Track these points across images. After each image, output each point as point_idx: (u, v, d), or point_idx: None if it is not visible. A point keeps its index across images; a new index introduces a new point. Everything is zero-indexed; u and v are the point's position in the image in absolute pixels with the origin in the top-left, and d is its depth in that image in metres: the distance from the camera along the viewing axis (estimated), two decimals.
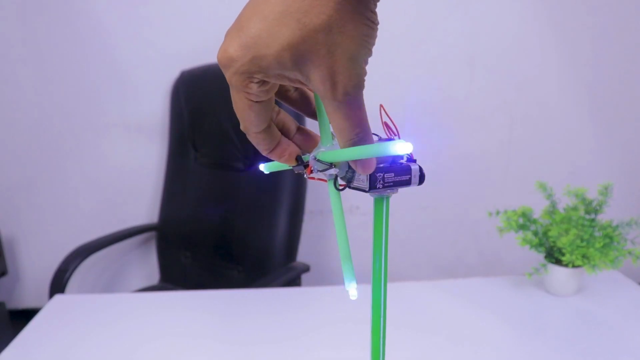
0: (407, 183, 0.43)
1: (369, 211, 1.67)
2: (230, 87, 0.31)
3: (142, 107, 1.67)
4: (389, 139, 0.43)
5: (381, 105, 0.41)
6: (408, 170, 0.43)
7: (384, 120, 0.43)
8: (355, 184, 0.42)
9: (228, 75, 0.30)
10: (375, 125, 0.42)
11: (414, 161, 0.45)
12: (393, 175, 0.42)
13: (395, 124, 0.43)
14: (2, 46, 1.61)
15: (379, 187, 0.41)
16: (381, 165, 0.42)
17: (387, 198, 0.43)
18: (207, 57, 1.51)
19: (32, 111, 1.67)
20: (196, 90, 1.47)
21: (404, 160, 0.44)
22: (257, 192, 1.38)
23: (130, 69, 1.63)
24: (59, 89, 1.65)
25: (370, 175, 0.41)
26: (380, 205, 0.43)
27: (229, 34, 0.29)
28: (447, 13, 1.62)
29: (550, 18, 1.65)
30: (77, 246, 1.34)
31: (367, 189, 0.41)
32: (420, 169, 0.44)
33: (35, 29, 1.59)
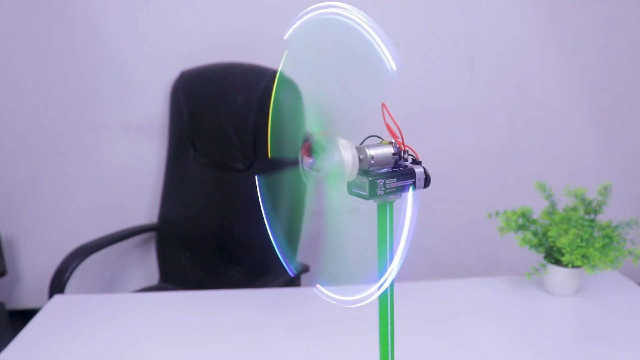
0: (412, 187, 0.41)
1: (369, 212, 1.67)
2: None
3: (141, 107, 1.66)
4: (391, 142, 0.41)
5: (383, 104, 0.39)
6: (412, 174, 0.41)
7: (386, 121, 0.40)
8: (355, 189, 0.40)
9: None
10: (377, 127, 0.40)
11: (419, 163, 0.42)
12: (395, 181, 0.39)
13: (398, 125, 0.41)
14: (1, 47, 1.60)
15: (380, 194, 0.39)
16: (383, 170, 0.40)
17: (391, 203, 0.41)
18: (207, 57, 1.51)
19: (32, 111, 1.67)
20: (196, 91, 1.47)
21: (408, 163, 0.42)
22: (256, 192, 1.37)
23: (129, 69, 1.63)
24: (59, 89, 1.65)
25: (369, 181, 0.38)
26: (383, 211, 0.41)
27: None
28: (447, 13, 1.62)
29: (550, 18, 1.65)
30: (77, 246, 1.33)
31: (367, 197, 0.39)
32: (425, 172, 0.41)
33: (34, 30, 1.59)
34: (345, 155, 0.38)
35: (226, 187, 1.43)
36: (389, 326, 0.44)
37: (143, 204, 1.75)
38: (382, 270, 0.42)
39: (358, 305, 0.40)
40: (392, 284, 0.43)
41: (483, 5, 1.62)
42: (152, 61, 1.62)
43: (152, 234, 1.62)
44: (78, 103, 1.66)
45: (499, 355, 0.81)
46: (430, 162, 1.64)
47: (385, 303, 0.43)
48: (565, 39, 1.68)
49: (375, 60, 0.39)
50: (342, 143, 0.38)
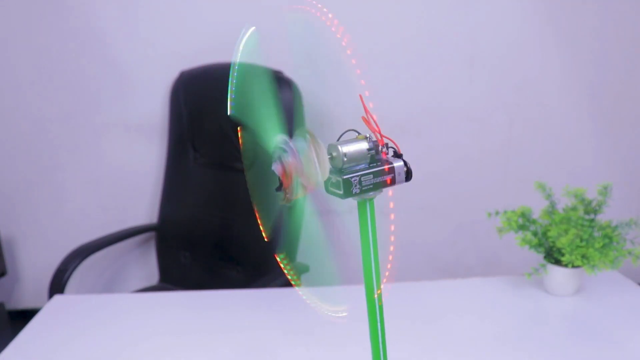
0: (391, 182, 0.39)
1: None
2: None
3: (141, 107, 1.66)
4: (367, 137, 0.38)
5: (360, 96, 0.37)
6: (390, 170, 0.39)
7: (364, 114, 0.38)
8: (331, 188, 0.38)
9: None
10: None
11: (400, 156, 0.40)
12: (372, 177, 0.37)
13: (375, 118, 0.38)
14: (1, 47, 1.60)
15: (355, 193, 0.37)
16: (358, 167, 0.38)
17: (371, 200, 0.40)
18: (206, 57, 1.51)
19: (32, 111, 1.67)
20: (196, 91, 1.47)
21: (388, 157, 0.39)
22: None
23: (129, 69, 1.63)
24: (59, 89, 1.65)
25: (343, 180, 0.36)
26: (363, 209, 0.39)
27: None
28: (447, 13, 1.62)
29: (550, 18, 1.65)
30: (77, 246, 1.33)
31: (343, 196, 0.37)
32: (406, 164, 0.39)
33: (34, 29, 1.59)
34: (312, 161, 0.35)
35: (226, 187, 1.43)
36: (379, 325, 0.44)
37: (143, 204, 1.75)
38: (368, 271, 0.41)
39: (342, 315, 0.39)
40: (378, 282, 0.42)
41: (483, 5, 1.62)
42: (152, 61, 1.62)
43: (152, 234, 1.62)
44: (78, 103, 1.66)
45: (499, 355, 0.81)
46: (430, 162, 1.64)
47: (373, 305, 0.42)
48: (565, 39, 1.68)
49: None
50: (312, 144, 0.35)
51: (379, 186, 0.38)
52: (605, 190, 0.97)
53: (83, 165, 1.72)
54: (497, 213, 1.02)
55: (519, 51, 1.67)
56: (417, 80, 1.67)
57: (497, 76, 1.69)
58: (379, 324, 0.43)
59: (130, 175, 1.73)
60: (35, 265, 1.83)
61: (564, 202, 1.01)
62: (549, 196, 1.02)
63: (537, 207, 1.03)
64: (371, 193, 0.38)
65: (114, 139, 1.69)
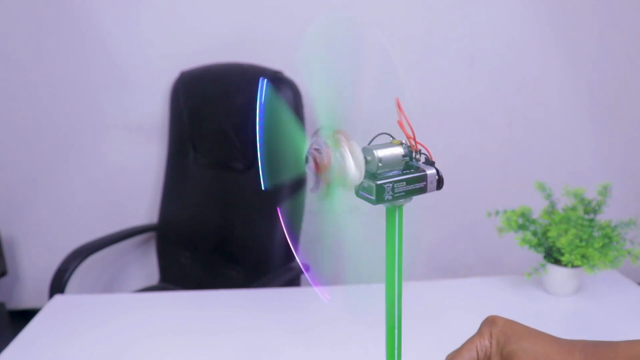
0: (423, 190, 0.39)
1: (369, 211, 1.67)
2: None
3: (141, 108, 1.67)
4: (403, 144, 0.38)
5: (397, 100, 0.37)
6: (423, 177, 0.38)
7: (399, 119, 0.38)
8: (362, 192, 0.37)
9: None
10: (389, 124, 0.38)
11: (432, 163, 0.39)
12: (405, 185, 0.37)
13: (411, 124, 0.38)
14: (2, 46, 1.61)
15: (387, 199, 0.36)
16: (391, 173, 0.37)
17: (400, 207, 0.39)
18: (206, 57, 1.51)
19: (32, 111, 1.67)
20: (196, 91, 1.47)
21: (420, 164, 0.39)
22: (256, 192, 1.37)
23: (130, 70, 1.63)
24: (59, 89, 1.65)
25: (377, 186, 0.36)
26: (392, 215, 0.39)
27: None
28: (447, 13, 1.62)
29: (550, 19, 1.66)
30: (77, 246, 1.33)
31: (374, 201, 0.36)
32: (438, 173, 0.39)
33: (35, 30, 1.59)
34: (348, 162, 0.34)
35: (226, 187, 1.43)
36: (397, 327, 0.43)
37: (143, 204, 1.75)
38: (391, 277, 0.40)
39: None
40: (399, 290, 0.41)
41: (483, 5, 1.62)
42: (152, 61, 1.62)
43: (152, 234, 1.62)
44: (78, 103, 1.66)
45: None
46: None
47: (392, 310, 0.42)
48: (565, 39, 1.68)
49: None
50: (348, 146, 0.35)
51: (411, 194, 0.38)
52: (605, 191, 0.97)
53: (83, 165, 1.72)
54: (497, 213, 1.02)
55: (519, 51, 1.67)
56: (417, 80, 1.67)
57: (497, 76, 1.69)
58: (396, 331, 0.42)
59: (131, 175, 1.73)
60: (35, 265, 1.83)
61: (563, 202, 1.02)
62: (548, 196, 1.02)
63: (537, 207, 1.03)
64: (402, 200, 0.38)
65: (114, 139, 1.69)
